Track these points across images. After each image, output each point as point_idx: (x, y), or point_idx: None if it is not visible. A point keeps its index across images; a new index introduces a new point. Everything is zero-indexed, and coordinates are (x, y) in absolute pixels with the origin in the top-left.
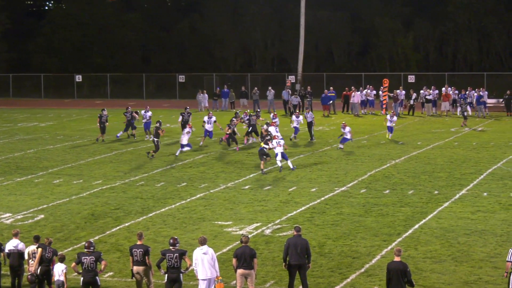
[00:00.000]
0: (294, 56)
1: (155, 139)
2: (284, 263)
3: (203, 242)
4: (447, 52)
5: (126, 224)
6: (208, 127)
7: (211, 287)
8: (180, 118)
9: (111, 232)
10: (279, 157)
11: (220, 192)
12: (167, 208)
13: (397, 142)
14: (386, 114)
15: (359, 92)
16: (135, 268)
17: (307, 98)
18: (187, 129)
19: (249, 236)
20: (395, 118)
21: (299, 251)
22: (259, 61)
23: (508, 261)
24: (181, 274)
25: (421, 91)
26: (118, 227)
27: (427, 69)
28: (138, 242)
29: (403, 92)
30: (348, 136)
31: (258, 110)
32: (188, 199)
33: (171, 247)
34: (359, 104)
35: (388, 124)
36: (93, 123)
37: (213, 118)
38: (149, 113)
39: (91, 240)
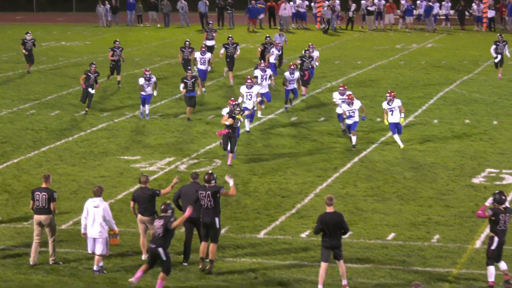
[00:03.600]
0: None
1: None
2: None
3: (97, 193)
4: None
5: (15, 161)
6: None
7: (96, 246)
8: (223, 50)
9: None
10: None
11: (126, 122)
12: (63, 141)
13: (333, 62)
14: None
15: (291, 3)
16: (36, 217)
17: (228, 10)
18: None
19: (159, 173)
20: (296, 74)
21: (192, 202)
22: None
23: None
24: (216, 218)
25: (362, 1)
26: (5, 164)
27: None
28: (44, 185)
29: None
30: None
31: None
32: (88, 130)
33: (206, 184)
34: (289, 18)
35: (291, 85)
36: None
37: (268, 71)
38: (154, 79)
39: None
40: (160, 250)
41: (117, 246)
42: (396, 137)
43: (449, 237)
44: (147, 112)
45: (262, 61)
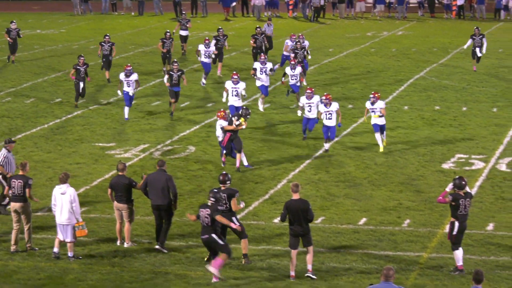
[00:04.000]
0: None
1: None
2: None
3: (63, 179)
4: None
5: None
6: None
7: (67, 233)
8: (214, 42)
9: None
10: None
11: (101, 109)
12: (38, 128)
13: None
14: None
15: None
16: (12, 204)
17: None
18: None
19: (134, 159)
20: (297, 69)
21: (161, 189)
22: None
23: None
24: (233, 218)
25: None
26: None
27: None
28: (20, 173)
29: None
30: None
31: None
32: (64, 118)
33: (221, 185)
34: (262, 6)
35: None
36: None
37: (268, 65)
38: (135, 76)
39: None
40: (214, 236)
41: (85, 236)
42: (378, 136)
43: (420, 221)
44: (126, 115)
45: (262, 53)
